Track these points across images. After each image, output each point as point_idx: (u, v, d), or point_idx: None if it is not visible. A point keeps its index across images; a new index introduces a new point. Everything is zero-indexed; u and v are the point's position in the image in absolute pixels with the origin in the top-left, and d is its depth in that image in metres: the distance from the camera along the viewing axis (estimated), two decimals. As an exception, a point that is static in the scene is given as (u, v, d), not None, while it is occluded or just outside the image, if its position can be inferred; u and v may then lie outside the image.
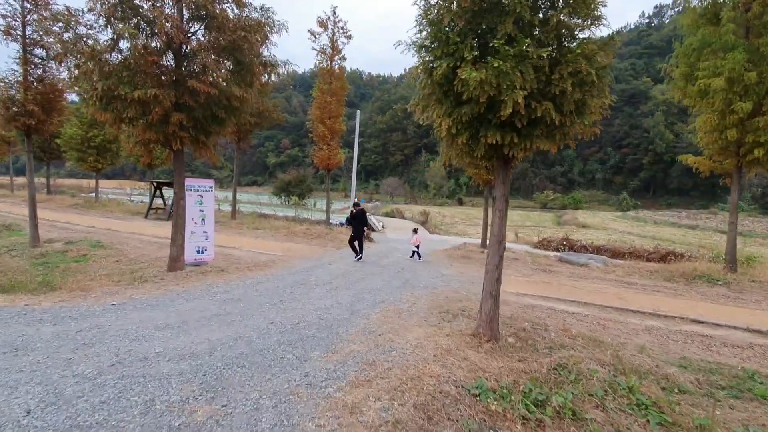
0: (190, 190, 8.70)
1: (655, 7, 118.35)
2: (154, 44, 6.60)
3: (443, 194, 76.81)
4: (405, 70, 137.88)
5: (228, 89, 6.77)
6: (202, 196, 8.87)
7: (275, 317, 5.50)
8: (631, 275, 10.64)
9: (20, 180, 48.37)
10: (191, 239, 8.69)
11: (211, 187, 9.10)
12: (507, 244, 17.26)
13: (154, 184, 20.72)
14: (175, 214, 7.79)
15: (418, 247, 11.69)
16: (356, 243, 11.07)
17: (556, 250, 17.91)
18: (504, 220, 4.57)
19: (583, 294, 8.30)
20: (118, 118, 6.68)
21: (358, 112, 28.73)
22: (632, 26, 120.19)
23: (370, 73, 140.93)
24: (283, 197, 41.98)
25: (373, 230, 20.72)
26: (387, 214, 35.45)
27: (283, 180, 44.32)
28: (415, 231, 12.43)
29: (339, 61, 16.37)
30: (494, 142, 3.77)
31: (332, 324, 5.31)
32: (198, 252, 8.79)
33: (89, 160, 24.95)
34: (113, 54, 6.57)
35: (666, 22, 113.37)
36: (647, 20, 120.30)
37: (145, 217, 19.43)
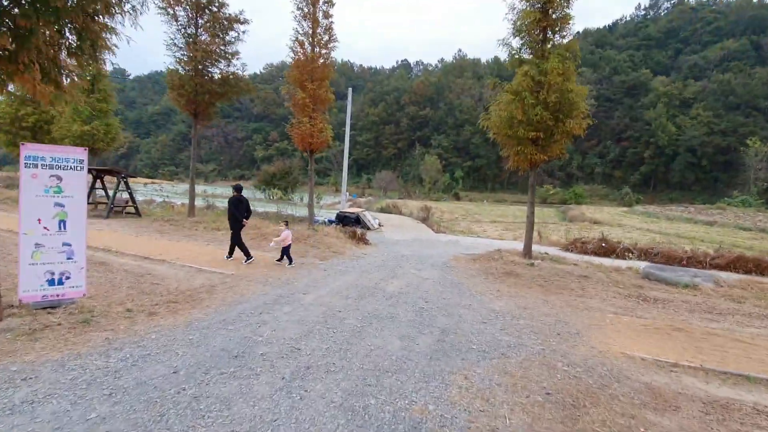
0: (32, 165, 4.57)
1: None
2: None
3: (438, 189, 72.93)
4: (397, 62, 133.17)
5: None
6: (60, 179, 4.71)
7: None
8: (777, 304, 6.84)
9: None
10: (35, 258, 4.58)
11: (83, 161, 4.91)
12: (534, 247, 13.22)
13: (93, 172, 16.30)
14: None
15: (288, 248, 8.00)
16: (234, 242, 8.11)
17: (596, 254, 14.18)
18: None
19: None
20: None
21: (350, 89, 24.56)
22: (628, 18, 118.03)
23: (361, 65, 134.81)
24: (267, 191, 37.50)
25: (368, 229, 16.65)
26: (382, 210, 31.30)
27: (267, 172, 39.70)
28: (286, 223, 8.54)
29: (325, 6, 12.19)
30: None
31: None
32: (51, 282, 4.65)
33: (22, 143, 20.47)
34: None
35: (662, 14, 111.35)
36: (644, 12, 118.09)
37: (77, 215, 15.06)
